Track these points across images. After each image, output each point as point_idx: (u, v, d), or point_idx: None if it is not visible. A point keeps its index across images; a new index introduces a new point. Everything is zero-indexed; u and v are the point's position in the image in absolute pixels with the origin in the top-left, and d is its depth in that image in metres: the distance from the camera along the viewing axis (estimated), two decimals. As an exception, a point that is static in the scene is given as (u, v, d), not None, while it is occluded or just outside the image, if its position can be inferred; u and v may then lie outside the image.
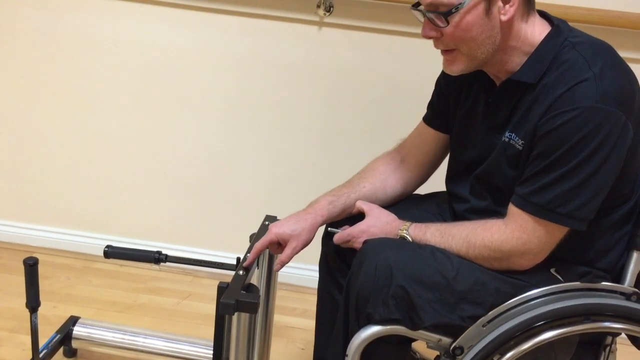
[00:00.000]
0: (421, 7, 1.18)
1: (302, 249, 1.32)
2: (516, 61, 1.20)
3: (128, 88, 2.11)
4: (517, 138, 1.20)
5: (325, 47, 2.00)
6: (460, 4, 1.13)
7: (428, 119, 1.46)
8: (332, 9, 1.94)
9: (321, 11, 1.95)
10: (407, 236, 1.27)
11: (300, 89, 2.05)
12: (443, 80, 1.42)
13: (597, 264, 1.24)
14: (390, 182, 1.44)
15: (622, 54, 1.21)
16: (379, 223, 1.32)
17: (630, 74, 1.16)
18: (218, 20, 2.01)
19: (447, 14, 1.14)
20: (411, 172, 1.46)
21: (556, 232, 1.16)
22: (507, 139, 1.22)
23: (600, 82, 1.10)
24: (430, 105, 1.46)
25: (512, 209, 1.19)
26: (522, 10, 1.17)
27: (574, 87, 1.11)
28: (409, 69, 1.98)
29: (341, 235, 1.34)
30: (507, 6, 1.15)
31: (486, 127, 1.29)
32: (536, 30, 1.20)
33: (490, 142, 1.27)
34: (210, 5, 2.00)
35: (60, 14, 2.05)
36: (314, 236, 1.34)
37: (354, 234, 1.32)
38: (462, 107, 1.36)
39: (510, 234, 1.17)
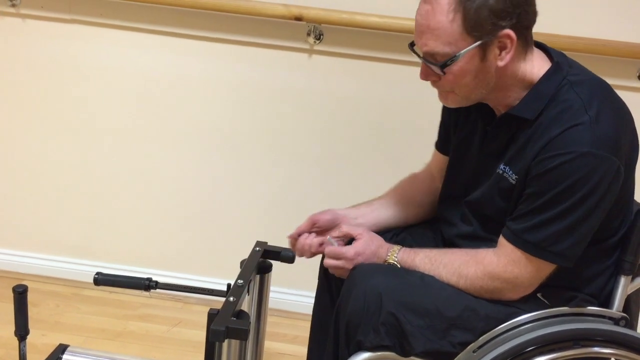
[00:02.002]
0: (418, 50, 1.20)
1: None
2: (514, 96, 1.21)
3: (118, 116, 2.12)
4: (511, 172, 1.21)
5: (316, 75, 2.02)
6: (455, 56, 1.14)
7: (439, 147, 1.48)
8: (322, 36, 1.97)
9: (311, 39, 1.98)
10: (396, 262, 1.28)
11: (291, 115, 2.07)
12: (446, 108, 1.43)
13: (584, 290, 1.25)
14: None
15: (606, 81, 1.23)
16: (373, 247, 1.31)
17: (625, 113, 1.18)
18: (209, 48, 2.03)
19: (443, 65, 1.15)
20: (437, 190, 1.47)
21: (546, 269, 1.18)
22: (501, 172, 1.23)
23: (596, 127, 1.11)
24: (438, 131, 1.48)
25: (504, 243, 1.20)
26: (519, 52, 1.17)
27: (569, 130, 1.12)
28: (399, 95, 2.00)
29: (334, 250, 1.32)
30: (503, 53, 1.15)
31: (482, 154, 1.30)
32: (535, 67, 1.20)
33: (485, 171, 1.28)
34: (201, 33, 2.02)
35: (54, 43, 2.06)
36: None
37: (348, 256, 1.30)
38: (460, 132, 1.37)
39: (503, 267, 1.18)
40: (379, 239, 1.34)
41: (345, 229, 1.37)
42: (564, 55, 1.24)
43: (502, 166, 1.23)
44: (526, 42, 1.18)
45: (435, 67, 1.17)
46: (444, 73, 1.16)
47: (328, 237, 1.38)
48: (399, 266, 1.27)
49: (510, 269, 1.18)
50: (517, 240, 1.17)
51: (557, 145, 1.12)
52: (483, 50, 1.14)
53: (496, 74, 1.18)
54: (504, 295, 1.20)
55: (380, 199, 1.48)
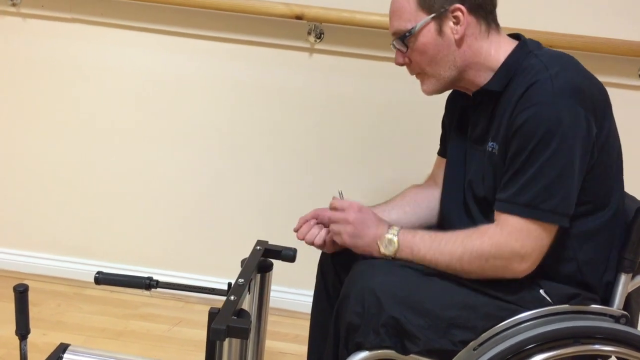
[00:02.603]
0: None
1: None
2: (484, 76, 1.27)
3: (118, 115, 2.12)
4: (495, 145, 1.24)
5: (316, 73, 2.02)
6: (412, 28, 1.24)
7: (441, 153, 1.51)
8: (322, 35, 1.97)
9: (312, 38, 1.98)
10: (395, 238, 1.25)
11: (291, 114, 2.07)
12: (445, 114, 1.48)
13: (583, 277, 1.24)
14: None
15: (605, 78, 1.24)
16: (373, 216, 1.31)
17: (592, 78, 1.21)
18: (210, 47, 2.03)
19: (403, 38, 1.25)
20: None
21: (546, 231, 1.17)
22: (490, 149, 1.26)
23: (555, 80, 1.15)
24: (441, 139, 1.51)
25: (499, 216, 1.19)
26: (479, 29, 1.25)
27: (532, 86, 1.16)
28: (399, 95, 2.00)
29: (341, 201, 1.32)
30: (457, 26, 1.24)
31: (473, 143, 1.33)
32: (502, 48, 1.27)
33: (475, 155, 1.31)
34: (202, 32, 2.02)
35: (55, 43, 2.07)
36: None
37: (355, 206, 1.30)
38: (453, 131, 1.41)
39: (507, 237, 1.17)
40: (377, 215, 1.34)
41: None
42: (537, 42, 1.30)
43: (490, 144, 1.26)
44: (486, 22, 1.26)
45: (400, 44, 1.27)
46: (407, 48, 1.26)
47: (338, 190, 1.39)
48: (396, 244, 1.24)
49: (515, 237, 1.16)
50: (511, 207, 1.17)
51: (523, 101, 1.17)
52: (438, 24, 1.24)
53: (459, 50, 1.25)
54: (513, 268, 1.18)
55: (386, 204, 1.49)
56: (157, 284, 1.39)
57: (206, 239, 2.20)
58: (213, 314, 1.16)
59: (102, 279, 1.38)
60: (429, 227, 1.46)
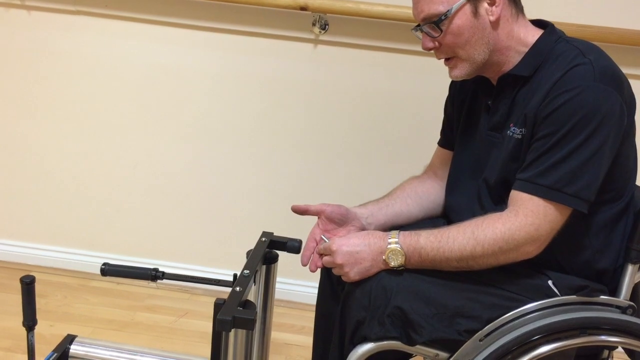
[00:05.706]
0: (419, 25, 1.26)
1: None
2: (511, 60, 1.26)
3: (124, 108, 2.12)
4: (515, 129, 1.22)
5: (321, 65, 2.01)
6: (448, 11, 1.20)
7: (442, 143, 1.49)
8: (327, 26, 1.96)
9: (316, 29, 1.97)
10: (398, 246, 1.20)
11: (296, 106, 2.06)
12: (449, 103, 1.46)
13: (597, 267, 1.24)
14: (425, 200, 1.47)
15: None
16: (355, 239, 1.24)
17: (620, 69, 1.20)
18: (214, 39, 2.03)
19: (438, 22, 1.21)
20: (441, 188, 1.47)
21: (562, 215, 1.16)
22: (510, 134, 1.24)
23: (597, 65, 1.15)
24: (442, 131, 1.50)
25: (518, 195, 1.17)
26: (510, 11, 1.24)
27: (572, 69, 1.15)
28: (404, 86, 2.00)
29: (324, 245, 1.28)
30: (493, 7, 1.22)
31: (489, 130, 1.31)
32: (529, 32, 1.26)
33: (494, 144, 1.29)
34: (207, 24, 2.01)
35: (59, 35, 2.07)
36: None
37: (333, 248, 1.24)
38: (464, 119, 1.39)
39: (523, 220, 1.15)
40: (366, 231, 1.30)
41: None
42: (561, 30, 1.29)
43: (512, 128, 1.24)
44: (515, 5, 1.26)
45: (433, 27, 1.23)
46: (441, 31, 1.22)
47: (321, 235, 1.37)
48: (403, 253, 1.19)
49: (531, 220, 1.14)
50: (532, 188, 1.15)
51: (561, 85, 1.15)
52: (474, 5, 1.21)
53: (493, 31, 1.23)
54: (524, 251, 1.16)
55: (388, 197, 1.47)
56: (163, 276, 1.39)
57: (212, 230, 2.20)
58: (219, 305, 1.16)
59: (108, 270, 1.39)
60: (433, 219, 1.47)
